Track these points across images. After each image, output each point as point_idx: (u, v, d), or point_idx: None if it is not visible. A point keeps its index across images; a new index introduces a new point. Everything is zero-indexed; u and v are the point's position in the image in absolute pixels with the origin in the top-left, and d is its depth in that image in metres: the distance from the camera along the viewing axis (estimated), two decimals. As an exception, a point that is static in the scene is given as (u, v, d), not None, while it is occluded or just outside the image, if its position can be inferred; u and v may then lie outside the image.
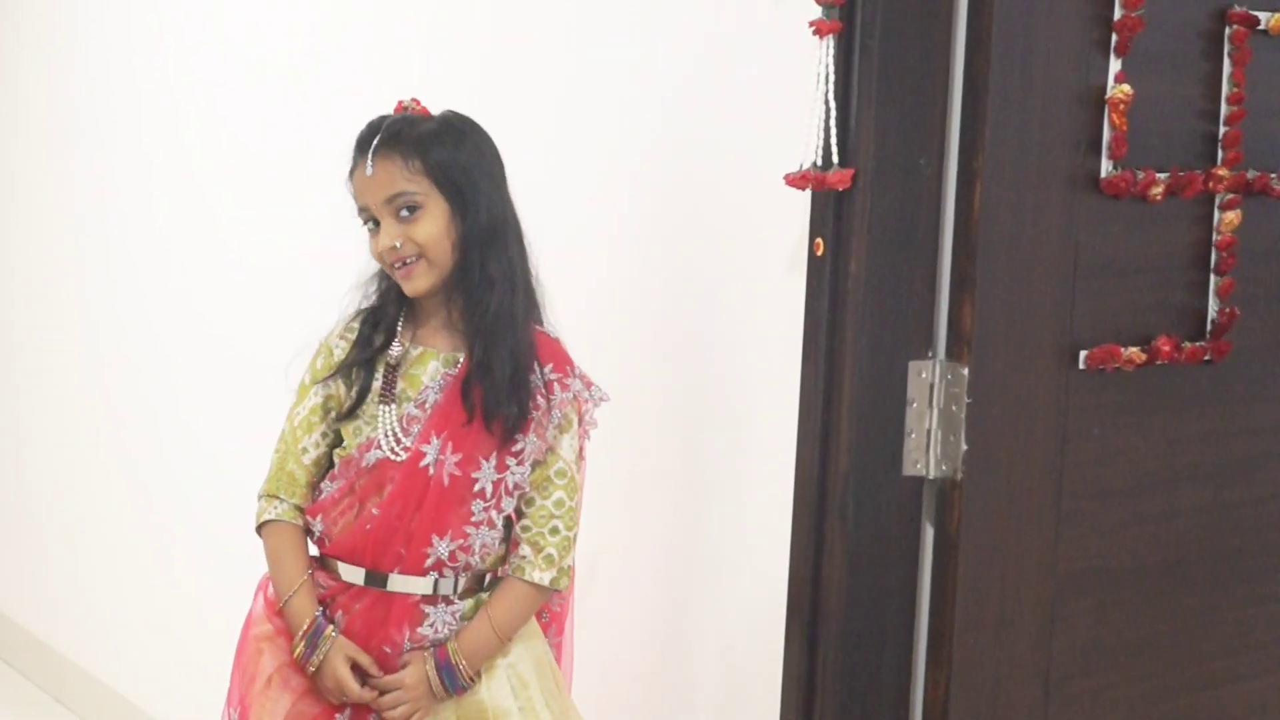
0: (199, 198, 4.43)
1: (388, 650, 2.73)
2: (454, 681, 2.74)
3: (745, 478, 2.92)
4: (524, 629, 2.81)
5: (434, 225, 2.71)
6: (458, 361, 2.75)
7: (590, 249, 3.22)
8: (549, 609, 2.88)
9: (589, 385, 2.82)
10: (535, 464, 2.77)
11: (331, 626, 2.73)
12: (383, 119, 2.75)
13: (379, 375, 2.75)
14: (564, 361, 2.79)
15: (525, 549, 2.78)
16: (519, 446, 2.74)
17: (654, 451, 3.10)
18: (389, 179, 2.70)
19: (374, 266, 2.81)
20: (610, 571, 3.17)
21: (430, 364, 2.76)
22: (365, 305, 2.82)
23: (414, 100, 2.77)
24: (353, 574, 2.75)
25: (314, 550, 2.82)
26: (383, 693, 2.73)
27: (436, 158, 2.72)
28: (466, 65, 3.53)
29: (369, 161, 2.70)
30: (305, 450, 2.79)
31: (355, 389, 2.75)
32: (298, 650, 2.73)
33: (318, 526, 2.78)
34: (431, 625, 2.74)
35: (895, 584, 2.67)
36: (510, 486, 2.75)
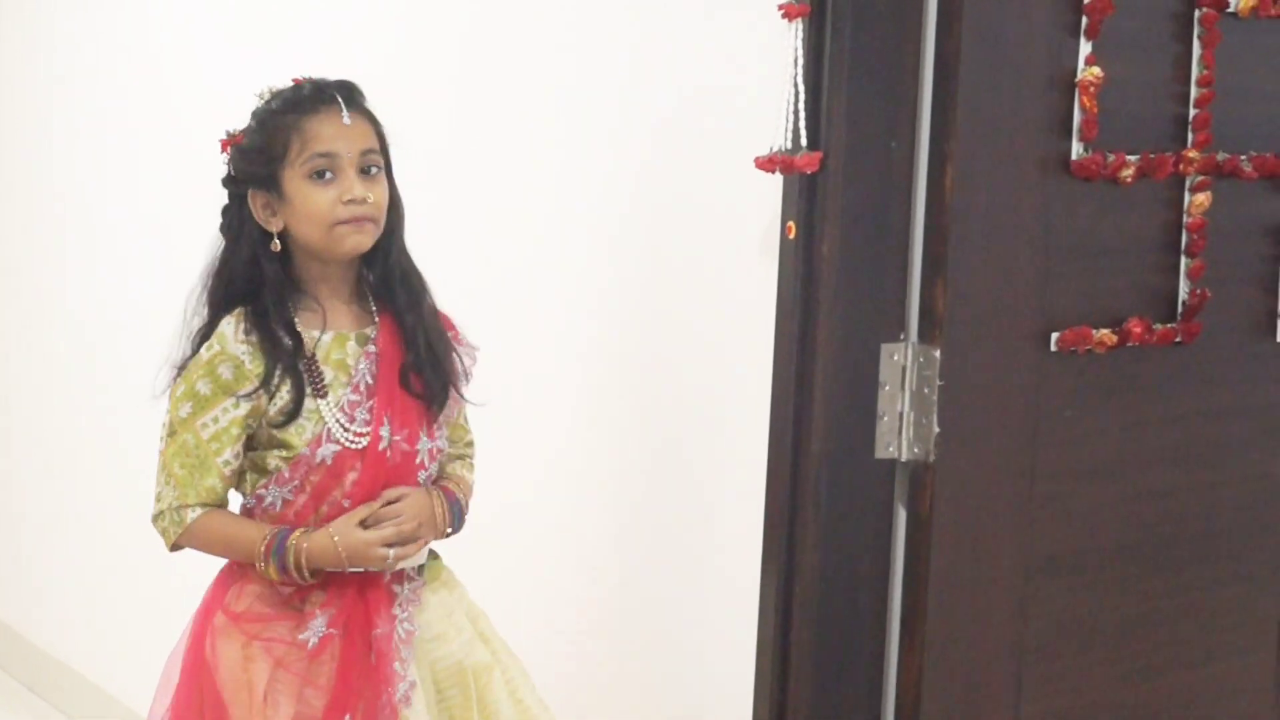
0: (186, 190, 4.41)
1: (378, 634, 2.72)
2: (460, 522, 2.78)
3: (719, 461, 2.92)
4: (465, 587, 2.87)
5: (386, 191, 2.73)
6: (369, 339, 2.75)
7: (563, 233, 3.22)
8: None
9: (466, 338, 2.87)
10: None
11: (297, 531, 2.68)
12: (325, 80, 2.73)
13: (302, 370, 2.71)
14: (450, 321, 2.85)
15: (454, 464, 2.86)
16: (443, 412, 2.78)
17: (627, 435, 3.10)
18: (364, 134, 2.71)
19: (218, 261, 2.74)
20: (583, 555, 3.18)
21: (347, 346, 2.74)
22: (221, 303, 2.73)
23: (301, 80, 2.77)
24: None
25: None
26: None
27: (383, 132, 2.75)
28: (438, 52, 3.52)
29: (345, 110, 2.69)
30: (227, 462, 2.69)
31: (288, 391, 2.68)
32: (270, 570, 2.67)
33: None
34: (400, 604, 2.74)
35: (868, 566, 2.68)
36: (437, 451, 2.79)
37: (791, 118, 2.57)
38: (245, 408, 2.68)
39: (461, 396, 2.82)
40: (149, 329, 4.51)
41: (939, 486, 2.64)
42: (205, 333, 2.73)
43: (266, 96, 2.75)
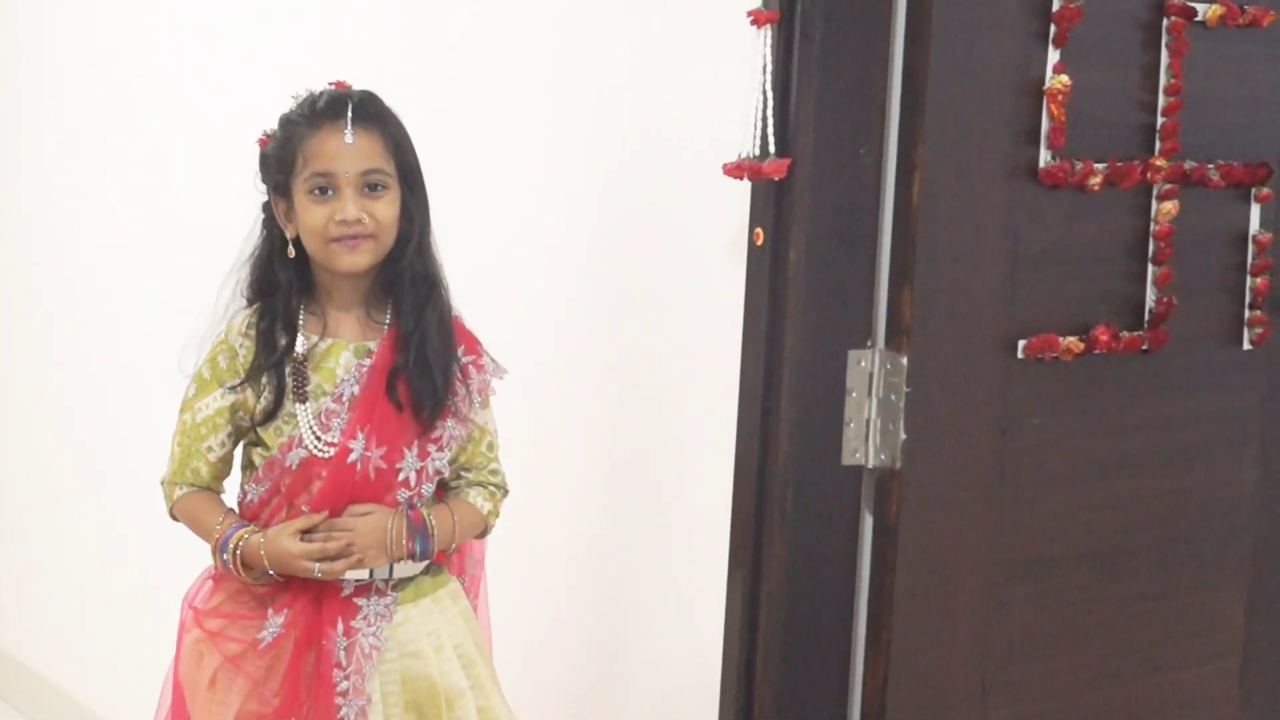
0: (154, 185, 4.40)
1: (325, 645, 2.72)
2: (426, 547, 2.74)
3: (686, 467, 2.92)
4: (467, 609, 2.83)
5: (392, 209, 2.72)
6: (369, 351, 2.74)
7: (531, 239, 3.22)
8: (469, 576, 2.90)
9: (493, 361, 2.85)
10: (460, 446, 2.81)
11: (246, 529, 2.73)
12: (343, 91, 2.73)
13: (289, 373, 2.73)
14: (474, 342, 2.83)
15: (470, 491, 2.84)
16: (438, 433, 2.75)
17: (594, 441, 3.10)
18: (368, 151, 2.70)
19: (250, 253, 2.79)
20: (552, 561, 3.17)
21: (341, 355, 2.74)
22: (248, 294, 2.79)
23: (339, 83, 2.77)
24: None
25: None
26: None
27: (401, 143, 2.74)
28: (408, 57, 3.52)
29: (349, 129, 2.69)
30: (210, 449, 2.78)
31: (270, 392, 2.72)
32: (216, 561, 2.76)
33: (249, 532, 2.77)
34: (364, 617, 2.73)
35: (835, 573, 2.68)
36: (431, 473, 2.77)
37: (759, 124, 2.57)
38: (230, 399, 2.75)
39: (465, 416, 2.79)
40: (117, 339, 4.53)
41: (905, 493, 2.64)
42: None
43: (301, 98, 2.76)
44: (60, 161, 4.83)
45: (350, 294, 2.76)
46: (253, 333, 2.74)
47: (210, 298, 2.76)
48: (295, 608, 2.72)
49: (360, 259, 2.70)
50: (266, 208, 2.79)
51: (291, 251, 2.74)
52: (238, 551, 2.71)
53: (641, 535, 3.02)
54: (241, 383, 2.73)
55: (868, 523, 2.68)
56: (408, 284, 2.75)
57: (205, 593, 2.81)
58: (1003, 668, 2.77)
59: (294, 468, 2.71)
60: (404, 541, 2.72)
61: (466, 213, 3.34)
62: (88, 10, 4.68)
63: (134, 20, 4.47)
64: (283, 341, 2.72)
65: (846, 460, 2.65)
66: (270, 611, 2.73)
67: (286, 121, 2.75)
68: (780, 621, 2.66)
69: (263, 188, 2.79)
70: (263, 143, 2.79)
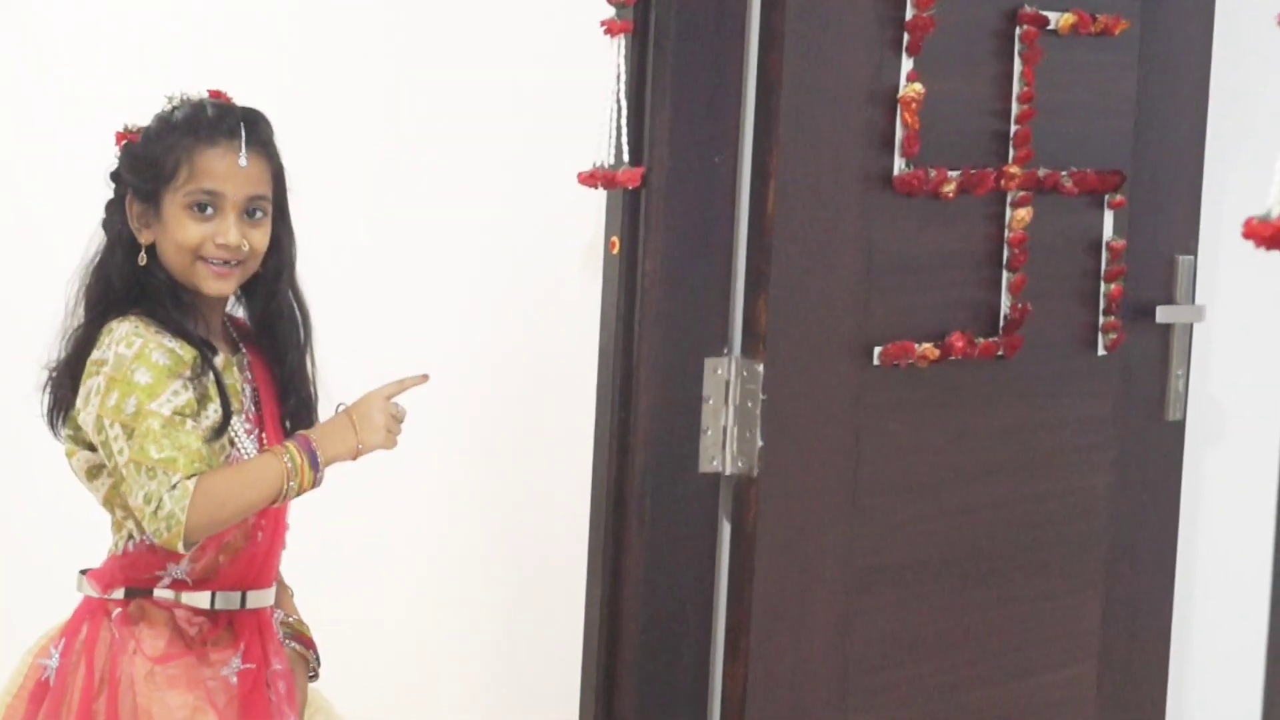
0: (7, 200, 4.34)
1: (279, 668, 2.60)
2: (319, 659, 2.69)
3: (543, 475, 2.92)
4: None
5: (266, 238, 2.56)
6: (244, 365, 2.63)
7: (386, 243, 3.20)
8: None
9: None
10: None
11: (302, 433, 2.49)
12: (233, 107, 2.58)
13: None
14: None
15: None
16: None
17: (450, 453, 3.08)
18: (257, 177, 2.54)
19: (94, 258, 2.58)
20: (405, 567, 3.16)
21: (233, 370, 2.63)
22: (86, 306, 2.55)
23: (217, 92, 2.65)
24: (257, 599, 2.58)
25: (170, 594, 2.52)
26: None
27: (280, 172, 2.59)
28: (260, 65, 3.48)
29: (244, 150, 2.53)
30: (196, 428, 2.45)
31: (216, 408, 2.49)
32: (306, 480, 2.44)
33: (180, 570, 2.52)
34: (277, 638, 2.65)
35: (693, 580, 2.69)
36: None
37: (614, 133, 2.58)
38: (191, 393, 2.47)
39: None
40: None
41: (763, 500, 2.65)
42: (82, 337, 2.53)
43: (175, 102, 2.57)
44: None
45: (217, 309, 2.63)
46: (165, 339, 2.47)
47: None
48: (247, 639, 2.58)
49: (227, 286, 2.53)
50: (114, 206, 2.60)
51: (143, 259, 2.55)
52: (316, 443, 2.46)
53: (500, 543, 3.01)
54: (198, 376, 2.46)
55: (725, 530, 2.69)
56: (285, 318, 2.63)
57: (145, 639, 2.54)
58: (862, 674, 2.79)
59: None
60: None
61: (321, 219, 3.32)
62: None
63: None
64: (207, 354, 2.50)
65: (704, 467, 2.66)
66: (233, 648, 2.55)
67: (171, 128, 2.55)
68: (639, 628, 2.66)
69: (117, 185, 2.58)
70: (130, 138, 2.59)
